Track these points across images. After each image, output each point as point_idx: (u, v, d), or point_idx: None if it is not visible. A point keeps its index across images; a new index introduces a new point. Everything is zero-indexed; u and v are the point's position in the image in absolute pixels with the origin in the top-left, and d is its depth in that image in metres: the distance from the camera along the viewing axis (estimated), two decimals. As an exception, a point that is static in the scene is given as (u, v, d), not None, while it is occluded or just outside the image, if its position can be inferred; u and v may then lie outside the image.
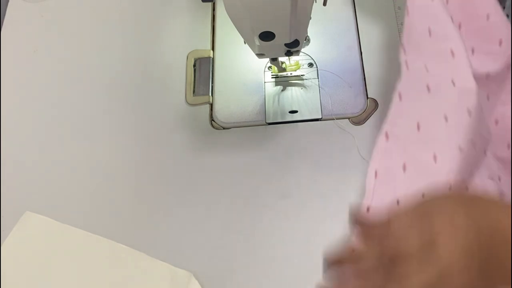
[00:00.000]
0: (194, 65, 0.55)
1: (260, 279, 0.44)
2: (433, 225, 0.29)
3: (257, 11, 0.34)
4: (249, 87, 0.53)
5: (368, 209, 0.41)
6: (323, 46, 0.54)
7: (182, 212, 0.48)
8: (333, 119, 0.50)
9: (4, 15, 0.59)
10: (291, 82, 0.53)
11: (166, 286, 0.44)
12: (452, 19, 0.43)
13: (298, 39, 0.40)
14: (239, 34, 0.39)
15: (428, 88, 0.42)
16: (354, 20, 0.55)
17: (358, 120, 0.50)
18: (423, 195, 0.32)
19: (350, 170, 0.47)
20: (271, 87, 0.53)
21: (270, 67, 0.53)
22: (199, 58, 0.55)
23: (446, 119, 0.40)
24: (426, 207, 0.31)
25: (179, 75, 0.54)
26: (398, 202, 0.39)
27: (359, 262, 0.32)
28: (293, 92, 0.52)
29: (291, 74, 0.52)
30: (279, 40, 0.38)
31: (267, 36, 0.37)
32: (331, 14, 0.55)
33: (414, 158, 0.41)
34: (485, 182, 0.42)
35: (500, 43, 0.44)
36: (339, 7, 0.56)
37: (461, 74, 0.40)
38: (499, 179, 0.43)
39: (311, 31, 0.54)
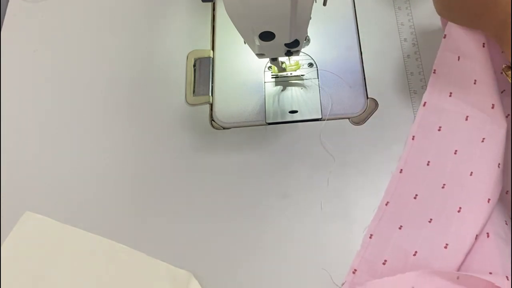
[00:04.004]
0: (194, 65, 0.55)
1: (260, 279, 0.44)
2: None
3: (257, 11, 0.34)
4: (249, 87, 0.53)
5: None
6: (323, 46, 0.54)
7: (182, 212, 0.48)
8: (333, 119, 0.50)
9: (4, 15, 0.59)
10: (291, 82, 0.53)
11: (166, 286, 0.44)
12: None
13: (298, 39, 0.40)
14: (239, 34, 0.39)
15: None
16: (354, 20, 0.55)
17: (358, 120, 0.50)
18: None
19: (350, 170, 0.47)
20: (271, 87, 0.53)
21: (270, 67, 0.53)
22: (199, 58, 0.55)
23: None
24: None
25: (179, 75, 0.54)
26: None
27: None
28: (293, 92, 0.52)
29: (291, 74, 0.52)
30: (279, 40, 0.38)
31: (267, 36, 0.37)
32: (331, 14, 0.55)
33: None
34: None
35: None
36: (339, 7, 0.56)
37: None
38: None
39: (311, 31, 0.54)
